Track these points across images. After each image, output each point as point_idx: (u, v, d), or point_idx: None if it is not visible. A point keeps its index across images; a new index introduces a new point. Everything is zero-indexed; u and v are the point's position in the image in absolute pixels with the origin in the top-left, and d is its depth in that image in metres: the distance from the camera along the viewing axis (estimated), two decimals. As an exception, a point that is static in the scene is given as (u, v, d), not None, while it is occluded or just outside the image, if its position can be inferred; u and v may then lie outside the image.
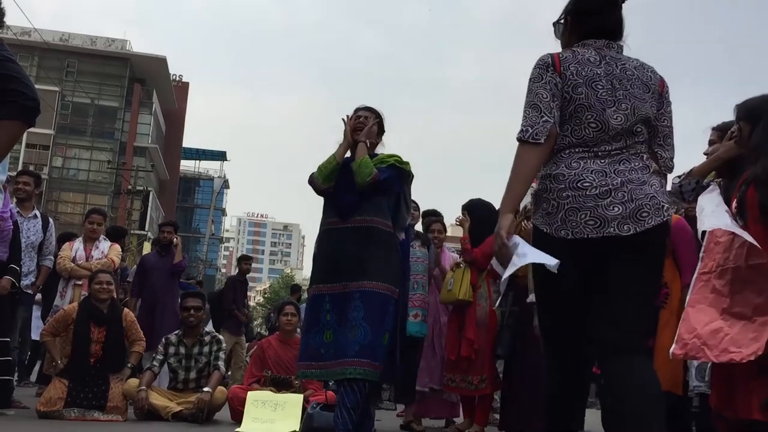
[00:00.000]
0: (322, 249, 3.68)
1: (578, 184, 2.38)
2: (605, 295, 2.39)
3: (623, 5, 2.63)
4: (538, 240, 2.46)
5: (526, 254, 2.37)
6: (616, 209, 2.34)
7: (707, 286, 3.06)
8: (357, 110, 3.87)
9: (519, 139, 2.45)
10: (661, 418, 2.25)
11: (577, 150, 2.45)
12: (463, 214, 5.45)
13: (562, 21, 2.69)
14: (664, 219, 2.39)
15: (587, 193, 2.36)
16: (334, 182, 3.68)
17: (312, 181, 3.72)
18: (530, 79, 2.51)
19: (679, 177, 3.82)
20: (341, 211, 3.63)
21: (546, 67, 2.49)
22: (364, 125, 3.76)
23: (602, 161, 2.42)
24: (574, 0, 2.65)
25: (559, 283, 2.42)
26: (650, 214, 2.36)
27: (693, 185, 3.55)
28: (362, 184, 3.57)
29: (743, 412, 2.78)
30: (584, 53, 2.52)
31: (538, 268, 2.47)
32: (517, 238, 2.41)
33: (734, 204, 3.02)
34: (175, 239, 7.79)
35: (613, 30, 2.60)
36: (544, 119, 2.41)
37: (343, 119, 3.82)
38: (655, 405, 2.24)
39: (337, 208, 3.65)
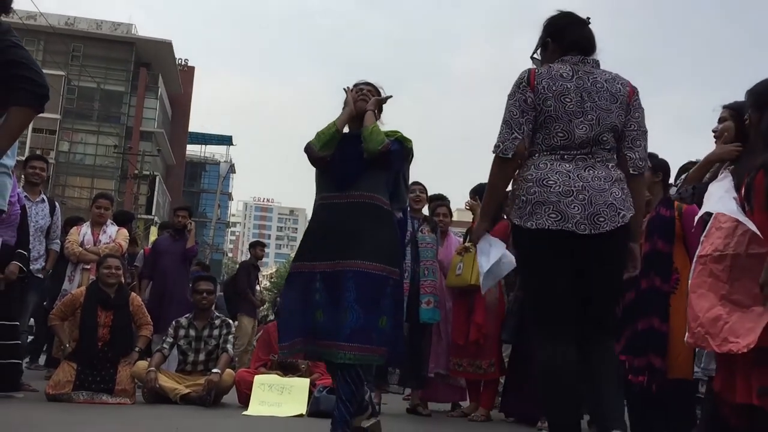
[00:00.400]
0: (317, 224, 3.49)
1: (543, 182, 2.69)
2: (569, 290, 2.71)
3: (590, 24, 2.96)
4: (513, 231, 2.81)
5: (485, 262, 2.96)
6: (576, 209, 2.64)
7: (705, 269, 3.07)
8: (357, 85, 3.73)
9: (493, 153, 2.79)
10: (613, 397, 2.66)
11: (546, 154, 2.74)
12: (474, 199, 5.43)
13: (538, 56, 3.01)
14: (620, 224, 2.68)
15: (551, 189, 2.66)
16: (334, 153, 3.48)
17: (309, 148, 3.50)
18: (507, 96, 2.82)
19: (676, 185, 3.85)
20: (341, 181, 3.44)
21: (519, 84, 2.80)
22: (367, 98, 3.61)
23: (568, 165, 2.71)
24: (546, 26, 2.98)
25: (539, 264, 2.75)
26: (606, 219, 2.66)
27: (690, 191, 3.58)
28: (373, 152, 3.39)
29: (742, 397, 2.80)
30: (559, 69, 2.81)
31: (523, 250, 2.80)
32: (482, 242, 2.97)
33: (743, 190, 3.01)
34: (189, 224, 7.78)
35: (586, 46, 2.90)
36: (513, 136, 2.74)
37: (345, 89, 3.67)
38: (609, 385, 2.67)
39: (337, 179, 3.46)
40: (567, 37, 2.90)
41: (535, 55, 3.02)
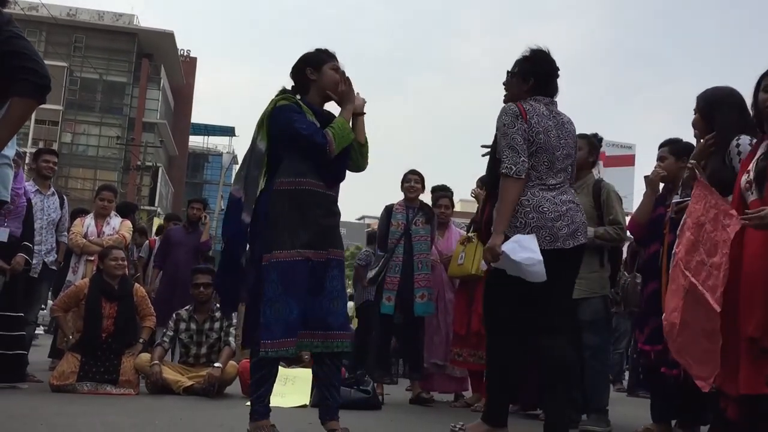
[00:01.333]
0: (309, 212, 3.26)
1: (540, 209, 3.23)
2: (546, 290, 3.20)
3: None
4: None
5: (518, 254, 3.15)
6: (564, 230, 3.24)
7: (677, 269, 3.17)
8: (328, 54, 3.48)
9: (505, 175, 3.20)
10: (566, 381, 3.26)
11: (535, 182, 3.27)
12: (483, 189, 5.38)
13: (512, 78, 3.48)
14: (586, 239, 3.39)
15: (546, 216, 3.22)
16: None
17: (330, 149, 3.24)
18: (504, 125, 3.26)
19: (678, 194, 3.87)
20: (335, 177, 3.38)
21: (516, 116, 3.26)
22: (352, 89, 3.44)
23: (552, 193, 3.28)
24: (534, 64, 3.43)
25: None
26: (582, 234, 3.32)
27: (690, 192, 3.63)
28: (363, 168, 3.50)
29: (747, 387, 2.78)
30: (538, 107, 3.35)
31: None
32: (506, 246, 3.17)
33: (746, 178, 2.99)
34: (204, 216, 7.69)
35: (555, 93, 3.47)
36: (522, 160, 3.21)
37: (340, 72, 3.42)
38: (565, 371, 3.25)
39: (333, 173, 3.35)
40: (549, 86, 3.44)
41: (513, 76, 3.48)
